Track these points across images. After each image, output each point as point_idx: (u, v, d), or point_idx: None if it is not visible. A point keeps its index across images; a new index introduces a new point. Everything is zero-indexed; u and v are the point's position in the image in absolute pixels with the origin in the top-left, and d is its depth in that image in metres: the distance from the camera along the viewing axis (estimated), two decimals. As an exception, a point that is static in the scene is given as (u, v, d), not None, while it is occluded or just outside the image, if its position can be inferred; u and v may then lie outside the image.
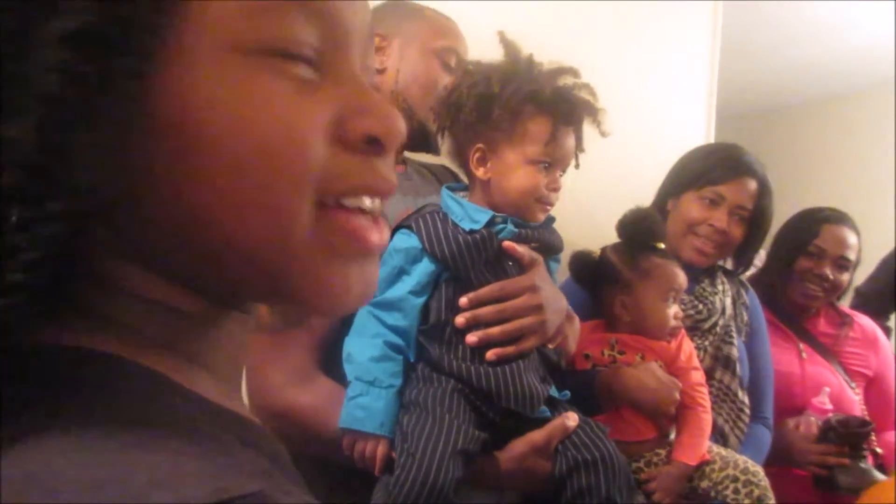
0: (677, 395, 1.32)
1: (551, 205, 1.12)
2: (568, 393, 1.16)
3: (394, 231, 1.13)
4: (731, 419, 1.52)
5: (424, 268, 1.07)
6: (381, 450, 1.01)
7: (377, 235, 0.40)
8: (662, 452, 1.34)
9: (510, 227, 1.10)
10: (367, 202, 0.39)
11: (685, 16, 2.20)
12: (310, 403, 1.09)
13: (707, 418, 1.36)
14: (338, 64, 0.39)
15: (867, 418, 1.81)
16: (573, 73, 1.13)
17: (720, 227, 1.54)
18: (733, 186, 1.56)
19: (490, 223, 1.08)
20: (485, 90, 1.09)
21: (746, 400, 1.54)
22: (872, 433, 1.75)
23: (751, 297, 1.69)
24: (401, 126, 0.39)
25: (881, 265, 2.61)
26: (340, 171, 0.37)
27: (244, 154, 0.35)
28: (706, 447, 1.34)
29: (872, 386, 1.98)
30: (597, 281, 1.42)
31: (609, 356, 1.37)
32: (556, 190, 1.11)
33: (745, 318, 1.63)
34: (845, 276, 1.94)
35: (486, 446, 1.04)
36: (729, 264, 1.73)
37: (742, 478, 1.29)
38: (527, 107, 1.08)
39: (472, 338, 1.06)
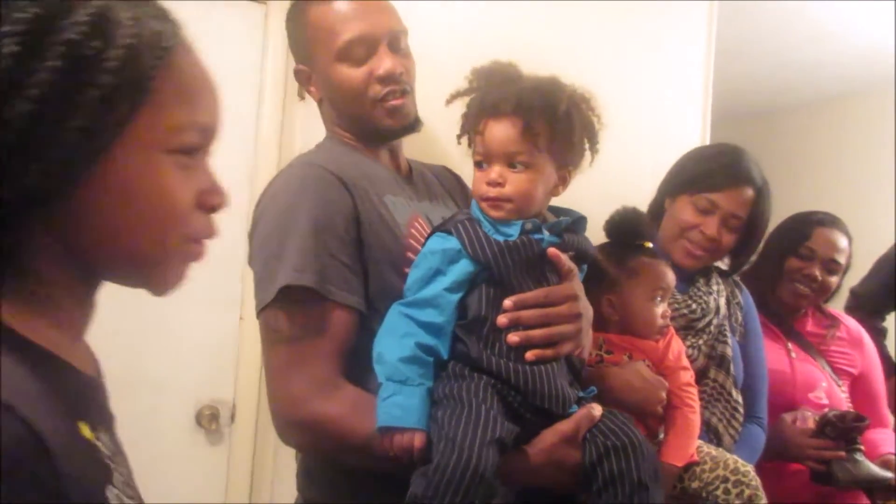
0: (663, 395, 1.33)
1: (496, 200, 1.13)
2: (594, 389, 1.19)
3: (428, 236, 1.17)
4: (726, 418, 1.52)
5: (463, 267, 1.10)
6: (419, 441, 1.02)
7: (202, 256, 0.70)
8: None
9: (548, 235, 1.13)
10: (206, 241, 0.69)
11: (680, 17, 2.22)
12: (337, 413, 1.10)
13: (695, 419, 1.37)
14: (204, 154, 0.68)
15: (858, 412, 1.83)
16: (510, 73, 1.17)
17: (710, 234, 1.54)
18: (728, 195, 1.55)
19: (523, 231, 1.12)
20: (466, 114, 1.18)
21: (740, 399, 1.55)
22: (867, 428, 1.77)
23: (745, 298, 1.70)
24: (227, 199, 0.69)
25: (876, 266, 2.63)
26: (195, 225, 0.67)
27: (148, 207, 0.63)
28: (694, 448, 1.34)
29: (857, 384, 2.03)
30: (585, 281, 1.41)
31: (597, 355, 1.38)
32: (491, 184, 1.12)
33: (740, 317, 1.63)
34: (834, 279, 1.97)
35: (517, 440, 1.06)
36: (726, 263, 1.74)
37: (732, 478, 1.29)
38: (465, 120, 1.17)
39: (514, 337, 1.09)
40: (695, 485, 1.31)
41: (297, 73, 1.37)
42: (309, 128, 1.65)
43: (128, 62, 0.59)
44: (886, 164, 3.97)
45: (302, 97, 1.76)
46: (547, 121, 1.13)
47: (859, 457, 1.69)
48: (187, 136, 0.64)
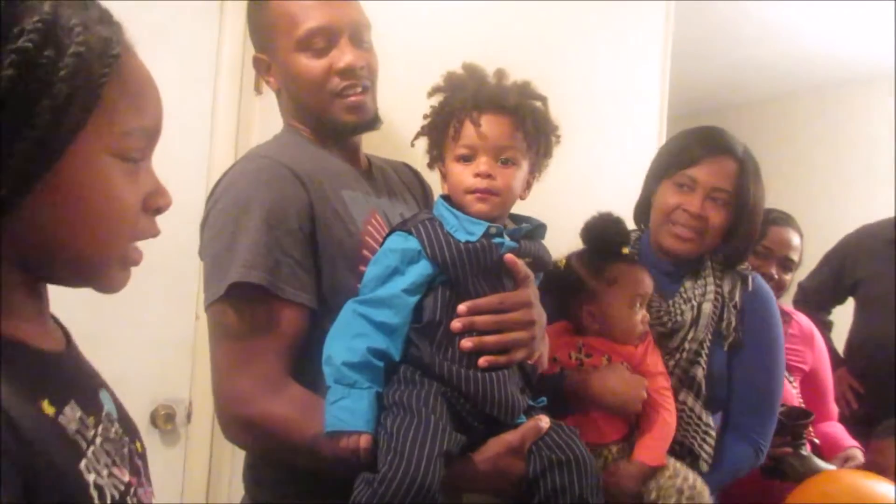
0: (644, 393, 1.34)
1: (486, 192, 1.13)
2: (544, 399, 1.20)
3: (388, 234, 1.16)
4: (697, 442, 1.45)
5: (422, 269, 1.10)
6: (364, 442, 1.01)
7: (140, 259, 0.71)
8: (615, 448, 1.36)
9: (508, 240, 1.13)
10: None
11: (637, 17, 2.24)
12: (283, 412, 1.09)
13: (671, 422, 1.37)
14: (146, 159, 0.69)
15: (805, 408, 1.89)
16: (501, 73, 1.18)
17: (694, 211, 1.44)
18: (706, 168, 1.45)
19: (486, 234, 1.11)
20: (430, 115, 1.19)
21: (711, 422, 1.46)
22: (812, 423, 1.82)
23: (752, 299, 1.53)
24: (171, 200, 0.71)
25: (823, 261, 2.71)
26: (142, 227, 0.69)
27: (97, 212, 0.64)
28: (665, 451, 1.35)
29: (808, 380, 2.08)
30: (564, 290, 1.41)
31: (576, 359, 1.39)
32: (481, 175, 1.13)
33: (734, 322, 1.49)
34: (788, 276, 2.03)
35: (463, 448, 1.06)
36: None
37: (687, 492, 1.31)
38: (443, 114, 1.17)
39: (467, 343, 1.09)
40: (652, 485, 1.33)
41: (255, 61, 1.34)
42: (266, 121, 1.63)
43: (79, 70, 0.60)
44: (833, 161, 4.10)
45: (259, 91, 1.74)
46: (533, 123, 1.15)
47: (805, 452, 1.74)
48: (134, 141, 0.66)
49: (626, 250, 1.42)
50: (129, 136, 0.65)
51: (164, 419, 1.71)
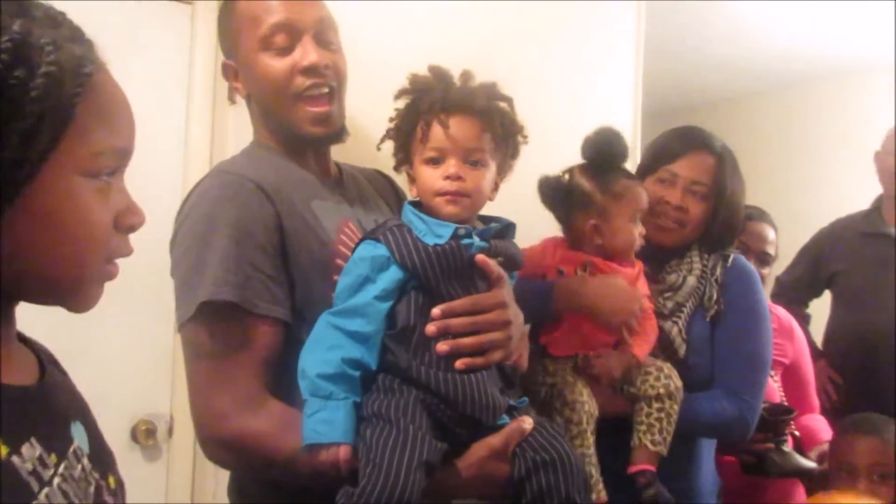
0: (637, 308, 1.40)
1: (456, 194, 1.13)
2: (526, 399, 1.20)
3: (357, 243, 1.15)
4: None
5: (392, 275, 1.09)
6: (344, 454, 1.01)
7: (116, 274, 0.70)
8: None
9: (477, 241, 1.13)
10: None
11: (609, 17, 2.26)
12: (262, 429, 1.08)
13: (654, 325, 1.47)
14: (118, 177, 0.68)
15: (787, 405, 1.91)
16: (467, 74, 1.18)
17: (675, 203, 1.55)
18: (686, 163, 1.57)
19: (454, 236, 1.11)
20: (396, 118, 1.18)
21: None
22: (795, 417, 1.84)
23: (732, 272, 1.59)
24: (144, 217, 0.70)
25: (798, 256, 2.74)
26: (115, 247, 0.68)
27: (69, 232, 0.63)
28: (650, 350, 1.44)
29: (789, 373, 2.11)
30: (567, 204, 1.46)
31: (580, 276, 1.44)
32: (451, 178, 1.13)
33: (715, 295, 1.56)
34: (766, 270, 2.05)
35: (446, 454, 1.05)
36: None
37: (666, 371, 1.41)
38: (410, 117, 1.16)
39: (442, 346, 1.08)
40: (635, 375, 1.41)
41: (224, 67, 1.32)
42: (241, 133, 1.61)
43: (51, 90, 0.59)
44: (805, 157, 4.15)
45: (233, 101, 1.72)
46: (500, 124, 1.16)
47: (786, 448, 1.76)
48: (106, 160, 0.65)
49: (624, 166, 1.49)
50: (100, 156, 0.64)
51: (145, 434, 1.69)
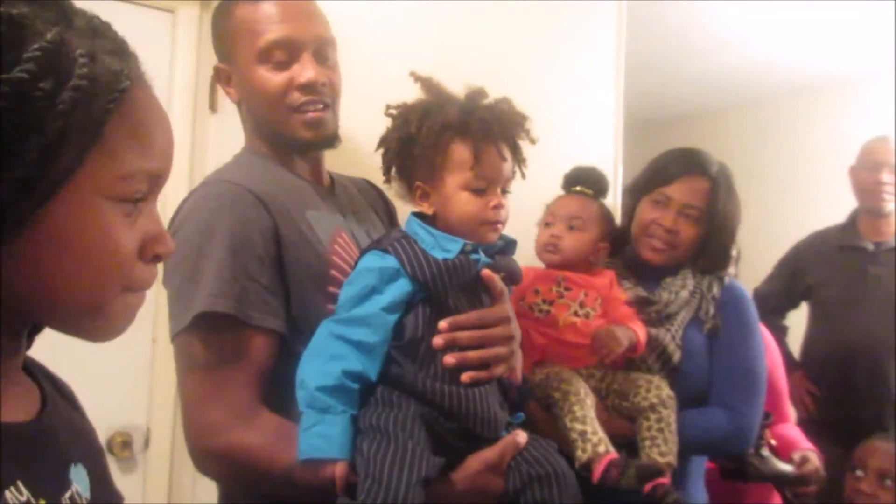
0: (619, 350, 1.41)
1: (500, 223, 1.15)
2: (522, 415, 1.20)
3: (362, 253, 1.15)
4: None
5: (401, 287, 1.08)
6: (340, 470, 1.00)
7: (140, 306, 0.67)
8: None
9: (483, 257, 1.13)
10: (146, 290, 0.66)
11: (591, 30, 2.27)
12: (257, 442, 1.07)
13: (641, 325, 1.49)
14: (149, 201, 0.64)
15: (765, 410, 1.92)
16: (482, 93, 1.17)
17: (667, 226, 1.57)
18: (680, 186, 1.58)
19: (462, 251, 1.11)
20: (405, 132, 1.14)
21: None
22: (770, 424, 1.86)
23: (728, 293, 1.63)
24: (172, 248, 0.66)
25: (776, 268, 2.78)
26: (138, 276, 0.63)
27: (90, 257, 0.59)
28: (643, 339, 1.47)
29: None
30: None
31: (556, 292, 1.49)
32: (498, 207, 1.14)
33: (711, 311, 1.59)
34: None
35: (441, 468, 1.04)
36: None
37: (655, 383, 1.43)
38: (444, 137, 1.12)
39: (450, 359, 1.08)
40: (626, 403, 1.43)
41: (216, 71, 1.30)
42: (222, 141, 1.60)
43: (79, 105, 0.55)
44: (785, 169, 4.20)
45: (214, 109, 1.71)
46: (519, 150, 1.19)
47: (765, 453, 1.77)
48: (136, 184, 0.60)
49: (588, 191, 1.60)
50: (129, 179, 0.60)
51: (121, 446, 1.67)
